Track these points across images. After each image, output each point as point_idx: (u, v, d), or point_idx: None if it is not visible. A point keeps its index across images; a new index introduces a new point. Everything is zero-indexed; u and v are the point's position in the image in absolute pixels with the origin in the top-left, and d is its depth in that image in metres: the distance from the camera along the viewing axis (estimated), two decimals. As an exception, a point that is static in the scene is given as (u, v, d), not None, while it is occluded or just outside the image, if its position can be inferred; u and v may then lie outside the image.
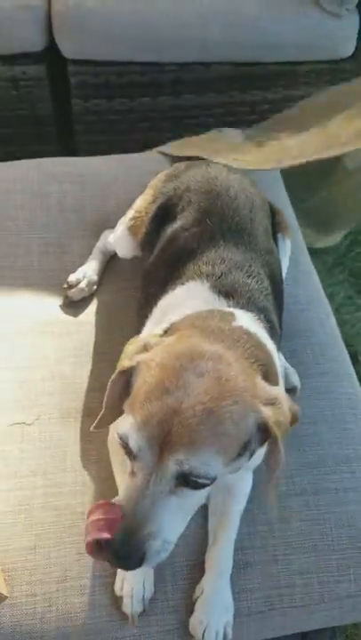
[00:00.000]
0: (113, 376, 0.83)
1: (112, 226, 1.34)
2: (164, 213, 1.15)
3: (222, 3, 1.89)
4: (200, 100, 2.12)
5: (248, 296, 0.97)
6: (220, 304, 0.95)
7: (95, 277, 1.29)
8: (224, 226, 1.05)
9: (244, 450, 0.77)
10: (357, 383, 1.23)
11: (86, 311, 1.26)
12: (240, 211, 1.09)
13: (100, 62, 1.97)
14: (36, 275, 1.30)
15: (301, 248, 1.39)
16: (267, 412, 0.75)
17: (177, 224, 1.10)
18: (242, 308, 0.94)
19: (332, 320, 1.31)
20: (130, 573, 0.95)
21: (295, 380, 1.16)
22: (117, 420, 0.92)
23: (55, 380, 1.16)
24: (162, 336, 0.86)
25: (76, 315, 1.25)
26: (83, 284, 1.26)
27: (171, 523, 0.73)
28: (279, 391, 0.81)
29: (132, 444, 0.73)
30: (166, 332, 0.88)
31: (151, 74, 2.02)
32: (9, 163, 1.48)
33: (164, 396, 0.72)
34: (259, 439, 0.78)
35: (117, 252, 1.30)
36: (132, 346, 0.85)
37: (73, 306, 1.26)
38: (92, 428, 0.90)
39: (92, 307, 1.27)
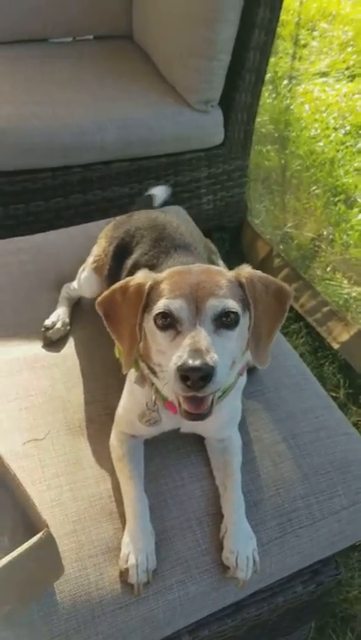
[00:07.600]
0: (130, 288, 1.06)
1: (69, 281, 1.58)
2: (122, 251, 1.39)
3: (113, 108, 2.31)
4: (105, 195, 2.48)
5: None
6: None
7: (67, 319, 1.49)
8: (175, 244, 1.32)
9: (244, 306, 1.03)
10: (299, 357, 1.50)
11: (66, 347, 1.45)
12: (184, 235, 1.36)
13: (15, 172, 2.28)
14: (15, 327, 1.48)
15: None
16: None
17: (136, 254, 1.35)
18: None
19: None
20: (134, 546, 1.08)
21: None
22: (119, 421, 1.21)
23: (55, 402, 1.32)
24: None
25: (58, 351, 1.44)
26: (59, 325, 1.46)
27: (221, 358, 0.93)
28: None
29: (173, 308, 0.97)
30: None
31: (61, 177, 2.36)
32: None
33: (185, 279, 1.02)
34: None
35: (84, 294, 1.51)
36: (141, 274, 1.08)
37: (53, 345, 1.45)
38: (123, 371, 1.10)
39: (70, 343, 1.47)
